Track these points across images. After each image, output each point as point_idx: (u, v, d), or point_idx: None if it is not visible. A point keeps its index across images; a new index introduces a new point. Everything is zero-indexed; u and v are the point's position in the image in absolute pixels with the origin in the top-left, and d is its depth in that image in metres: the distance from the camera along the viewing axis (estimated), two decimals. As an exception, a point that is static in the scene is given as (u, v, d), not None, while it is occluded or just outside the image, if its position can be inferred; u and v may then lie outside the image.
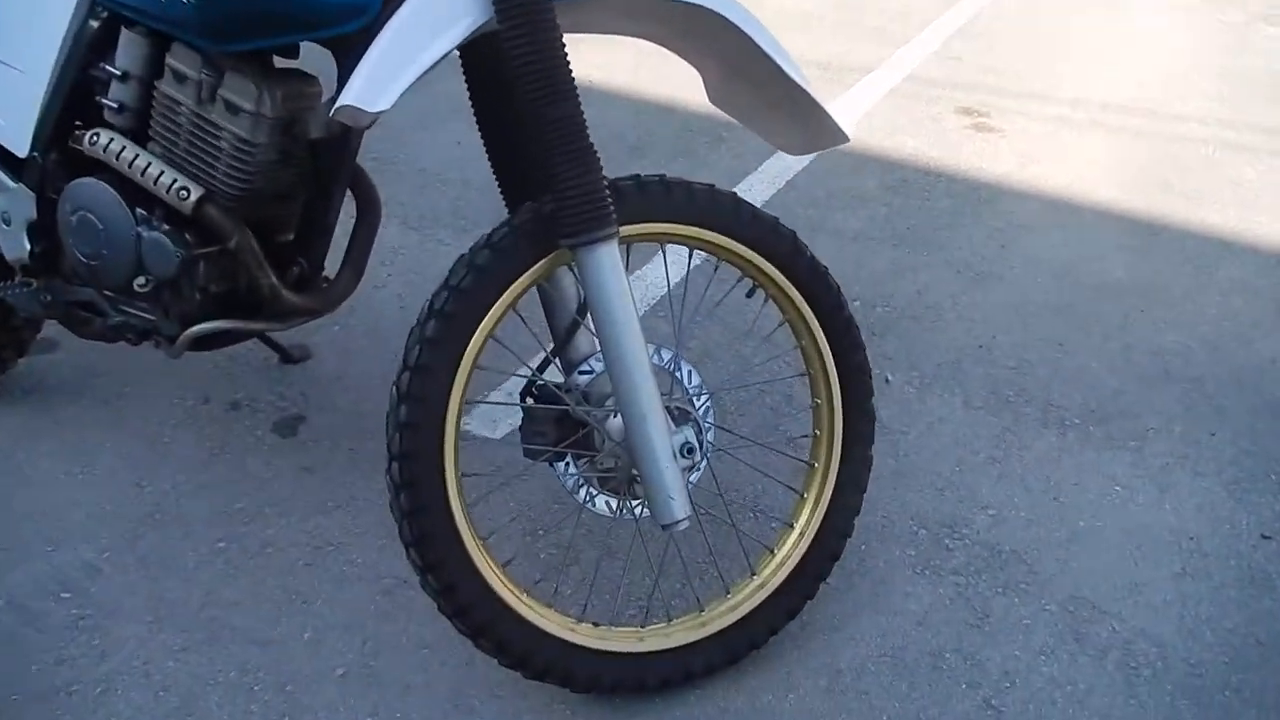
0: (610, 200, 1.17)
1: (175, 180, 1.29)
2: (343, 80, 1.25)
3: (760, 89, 1.39)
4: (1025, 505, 1.75)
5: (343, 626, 1.44)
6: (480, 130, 1.35)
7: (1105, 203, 2.94)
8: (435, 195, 2.74)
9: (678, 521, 1.22)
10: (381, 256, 2.36)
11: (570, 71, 1.14)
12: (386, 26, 1.11)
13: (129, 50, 1.31)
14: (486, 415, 1.88)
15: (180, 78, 1.28)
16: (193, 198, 1.29)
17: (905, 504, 1.73)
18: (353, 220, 1.50)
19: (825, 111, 1.37)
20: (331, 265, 1.49)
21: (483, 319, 1.21)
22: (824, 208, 2.81)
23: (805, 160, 3.07)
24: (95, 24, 1.32)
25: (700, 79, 1.46)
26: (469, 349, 1.20)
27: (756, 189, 2.92)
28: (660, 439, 1.20)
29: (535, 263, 1.23)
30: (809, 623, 1.46)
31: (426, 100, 2.86)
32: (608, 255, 1.17)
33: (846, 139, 1.41)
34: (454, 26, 1.12)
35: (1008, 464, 1.84)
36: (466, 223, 2.60)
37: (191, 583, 1.50)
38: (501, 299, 1.21)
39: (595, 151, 1.16)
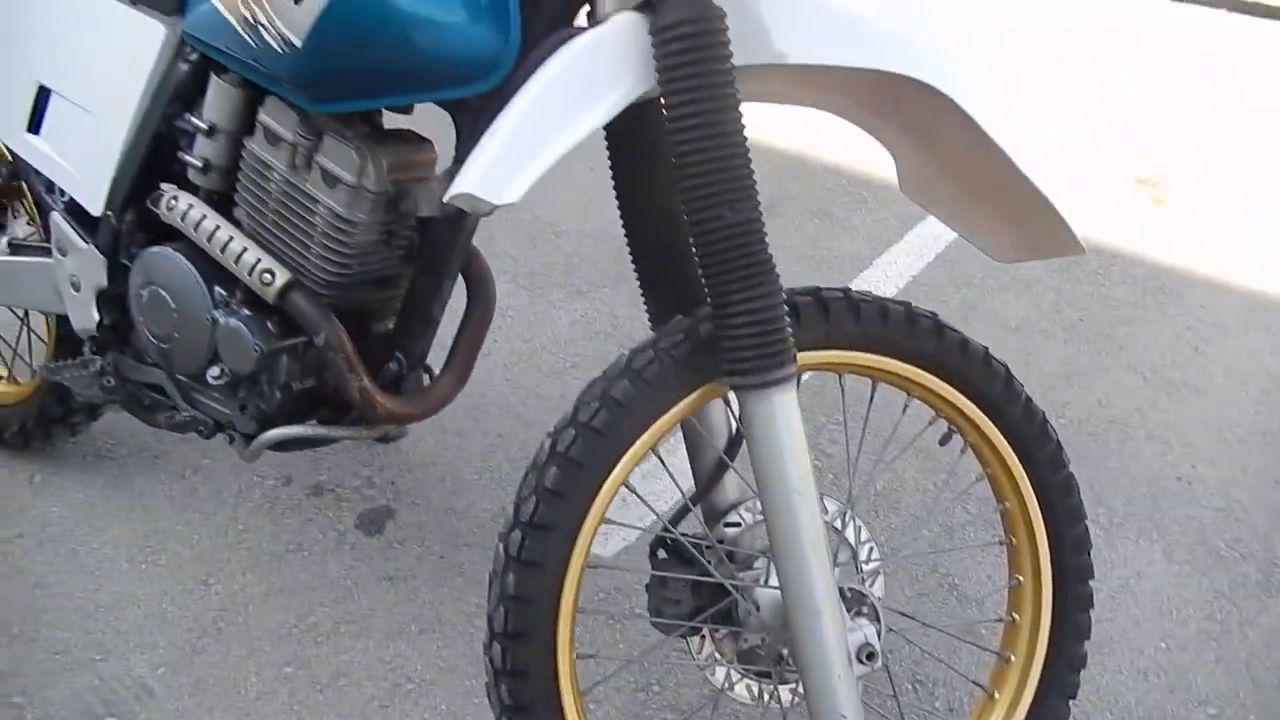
0: (791, 335, 0.90)
1: (259, 261, 1.08)
2: (463, 149, 1.03)
3: (971, 180, 1.11)
4: (1255, 704, 1.39)
5: (414, 797, 1.20)
6: (622, 215, 1.10)
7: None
8: (549, 249, 2.51)
9: (848, 747, 0.94)
10: (489, 320, 2.15)
11: (751, 165, 0.88)
12: (520, 95, 0.87)
13: (218, 101, 1.11)
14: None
15: (273, 138, 1.07)
16: (277, 284, 1.08)
17: (1102, 690, 1.40)
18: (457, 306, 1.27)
19: (1060, 215, 1.07)
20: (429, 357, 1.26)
21: (616, 465, 0.95)
22: (980, 288, 2.49)
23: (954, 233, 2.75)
24: (185, 67, 1.12)
25: (892, 161, 1.18)
26: (598, 502, 0.95)
27: (902, 261, 2.61)
28: (835, 642, 0.93)
29: (685, 398, 0.97)
30: None
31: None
32: (783, 403, 0.91)
33: (1081, 250, 1.11)
34: (603, 99, 0.88)
35: (1227, 643, 1.49)
36: (583, 283, 2.37)
37: (250, 718, 1.28)
38: (641, 440, 0.96)
39: (775, 268, 0.90)
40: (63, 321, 1.45)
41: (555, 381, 2.00)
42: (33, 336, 1.68)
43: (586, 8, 0.96)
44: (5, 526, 1.55)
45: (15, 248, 1.38)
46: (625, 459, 0.95)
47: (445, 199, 0.88)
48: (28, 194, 1.39)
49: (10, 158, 1.40)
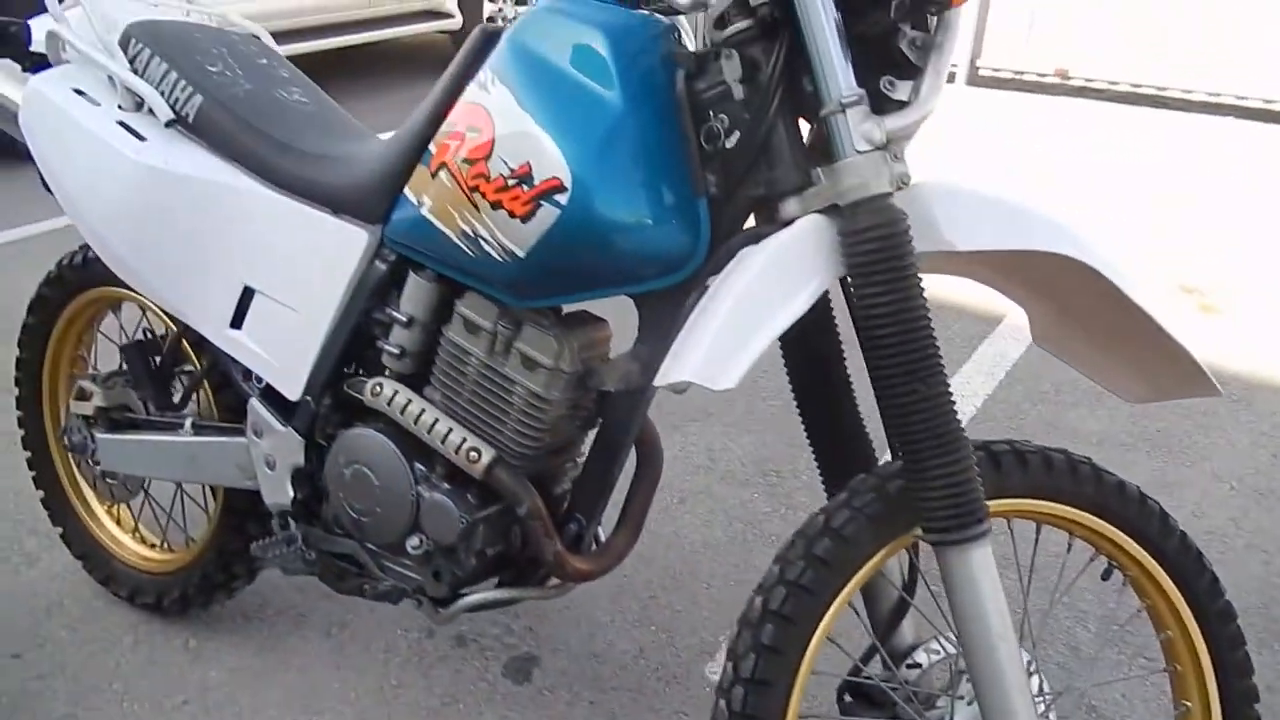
0: (983, 494, 0.99)
1: (464, 440, 1.18)
2: (646, 333, 1.14)
3: (1104, 331, 1.22)
4: None
5: None
6: (794, 386, 1.20)
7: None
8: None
9: None
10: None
11: (937, 342, 0.99)
12: (728, 288, 0.98)
13: (417, 296, 1.23)
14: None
15: (472, 327, 1.19)
16: (484, 460, 1.17)
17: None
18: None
19: (1194, 360, 1.17)
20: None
21: (824, 618, 1.02)
22: (1055, 404, 2.58)
23: (1021, 349, 2.86)
24: (383, 267, 1.24)
25: (1026, 316, 1.29)
26: (808, 655, 1.02)
27: (975, 381, 2.71)
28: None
29: (880, 551, 1.05)
30: None
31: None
32: (981, 556, 0.99)
33: (1216, 391, 1.20)
34: (803, 290, 0.99)
35: (1372, 754, 1.52)
36: (675, 418, 2.47)
37: None
38: (844, 593, 1.03)
39: (964, 433, 0.99)
40: (233, 495, 1.55)
41: (666, 519, 2.08)
42: (184, 506, 1.78)
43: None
44: (170, 693, 1.61)
45: (199, 429, 1.49)
46: (831, 612, 1.03)
47: (661, 383, 0.98)
48: (205, 383, 1.51)
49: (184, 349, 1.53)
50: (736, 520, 2.09)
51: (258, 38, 1.55)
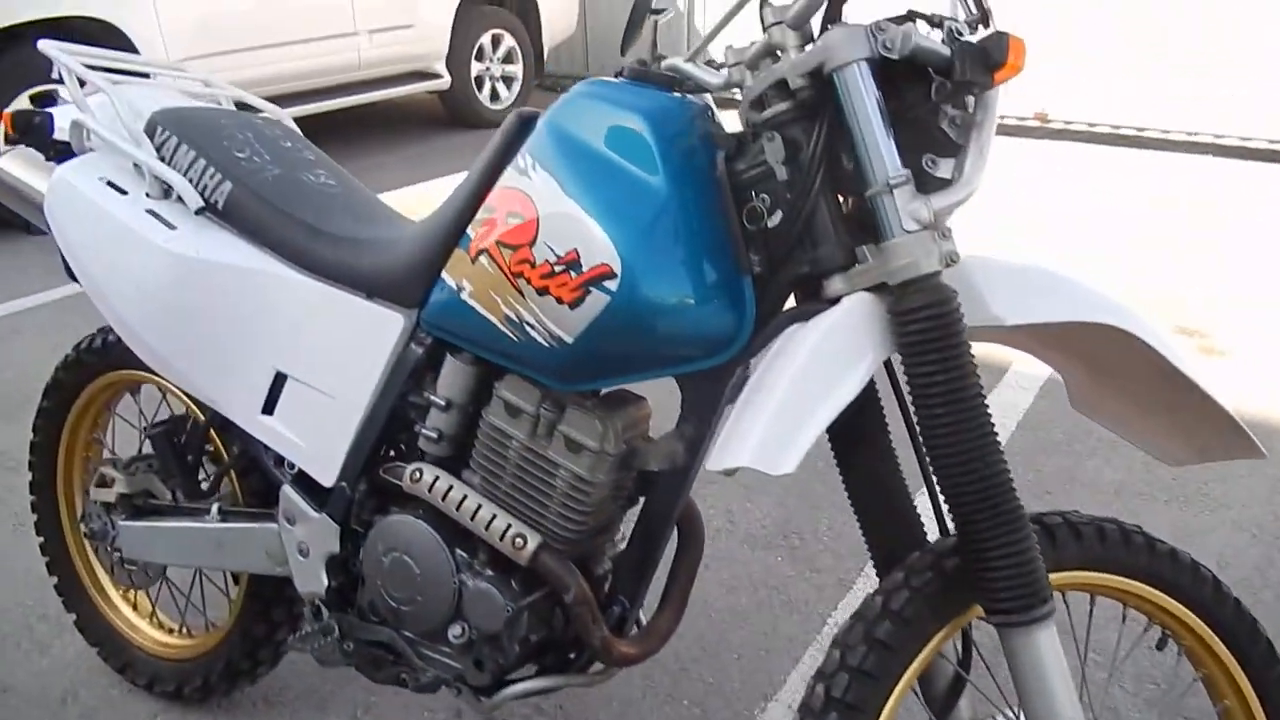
0: (1046, 573, 0.98)
1: (509, 527, 1.16)
2: (689, 413, 1.14)
3: (1144, 395, 1.22)
4: None
5: None
6: (841, 466, 1.19)
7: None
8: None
9: None
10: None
11: (993, 419, 0.98)
12: (778, 372, 0.98)
13: (455, 379, 1.22)
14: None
15: (513, 411, 1.18)
16: (530, 547, 1.16)
17: None
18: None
19: (1237, 422, 1.17)
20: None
21: (888, 704, 1.00)
22: (1069, 454, 2.57)
23: (1030, 397, 2.86)
24: (419, 350, 1.23)
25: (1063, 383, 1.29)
26: (872, 744, 0.99)
27: (986, 431, 2.70)
28: None
29: (941, 630, 1.03)
30: None
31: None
32: (1046, 635, 0.97)
33: (1261, 454, 1.20)
34: (855, 371, 0.98)
35: None
36: (688, 480, 2.45)
37: None
38: (906, 676, 1.01)
39: (1024, 511, 0.98)
40: (257, 579, 1.52)
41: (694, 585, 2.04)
42: (203, 591, 1.74)
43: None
44: (194, 786, 1.56)
45: (226, 515, 1.46)
46: (895, 695, 1.01)
47: (716, 467, 0.97)
48: (232, 470, 1.49)
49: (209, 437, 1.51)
50: (761, 585, 2.07)
51: (279, 122, 1.55)
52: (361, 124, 6.24)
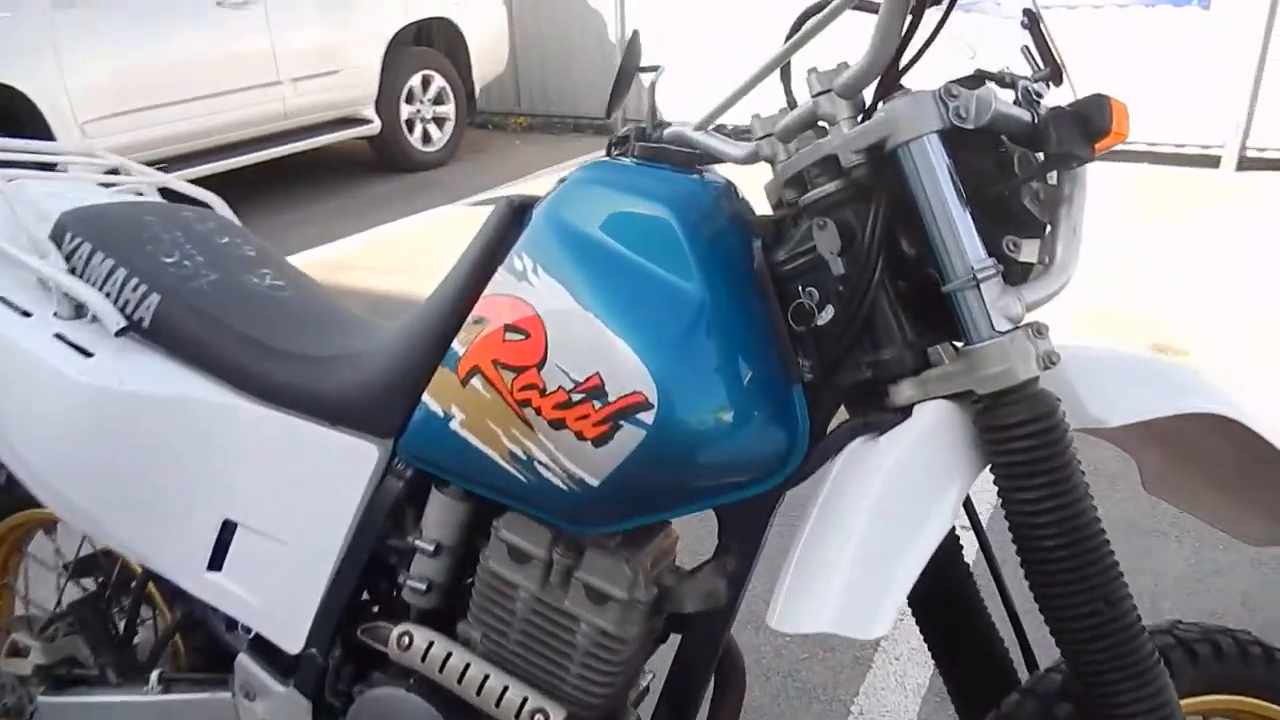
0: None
1: (525, 700, 0.97)
2: (729, 544, 0.96)
3: (1222, 474, 1.09)
4: None
5: None
6: (915, 613, 1.03)
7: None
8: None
9: None
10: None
11: (1112, 549, 0.83)
12: (850, 508, 0.81)
13: (443, 518, 1.03)
14: None
15: (519, 556, 0.98)
16: (554, 723, 0.96)
17: None
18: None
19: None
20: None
21: None
22: (1070, 492, 2.45)
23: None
24: (399, 484, 1.04)
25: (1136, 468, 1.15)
26: None
27: (985, 475, 2.57)
28: None
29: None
30: None
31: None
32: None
33: (1364, 535, 1.07)
34: (944, 501, 0.83)
35: None
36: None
37: None
38: None
39: (1157, 654, 0.83)
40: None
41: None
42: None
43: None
44: None
45: (169, 683, 1.23)
46: None
47: (789, 630, 0.80)
48: (177, 634, 1.27)
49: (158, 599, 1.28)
50: (773, 673, 1.89)
51: (210, 207, 1.34)
52: (286, 175, 5.97)
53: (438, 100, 6.00)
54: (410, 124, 5.87)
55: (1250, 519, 1.15)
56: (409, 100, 5.81)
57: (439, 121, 6.06)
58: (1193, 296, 3.67)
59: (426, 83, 5.90)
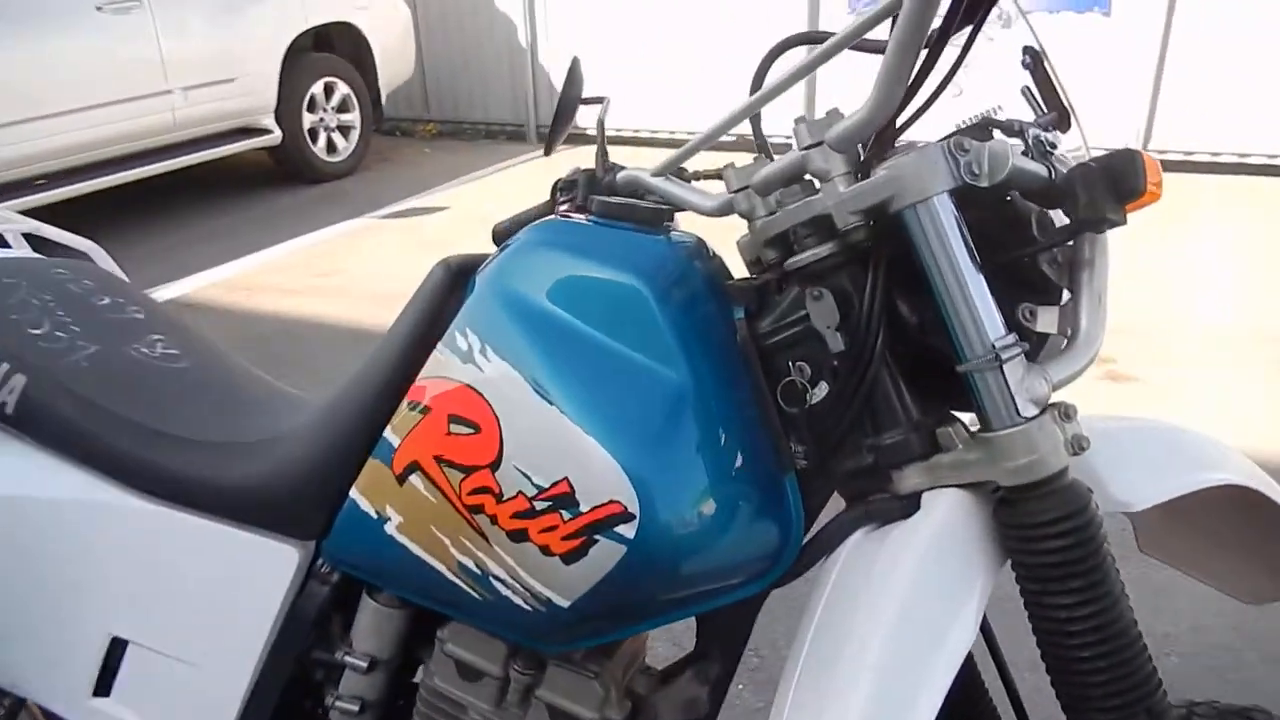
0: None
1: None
2: (708, 649, 0.86)
3: (1224, 536, 1.03)
4: None
5: None
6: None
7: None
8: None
9: None
10: None
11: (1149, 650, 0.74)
12: (869, 621, 0.70)
13: (377, 627, 0.90)
14: None
15: (469, 673, 0.85)
16: None
17: None
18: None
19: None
20: None
21: None
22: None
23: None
24: (322, 590, 0.89)
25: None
26: None
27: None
28: None
29: None
30: None
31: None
32: None
33: (1372, 593, 1.02)
34: (967, 604, 0.72)
35: None
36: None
37: None
38: None
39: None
40: None
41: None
42: None
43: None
44: None
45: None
46: None
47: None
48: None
49: None
50: (728, 726, 1.78)
51: (88, 258, 1.16)
52: (181, 190, 5.63)
53: (342, 108, 5.75)
54: (314, 133, 5.61)
55: (1250, 576, 1.10)
56: (311, 109, 5.55)
57: (344, 130, 5.81)
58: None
59: (330, 90, 5.64)
